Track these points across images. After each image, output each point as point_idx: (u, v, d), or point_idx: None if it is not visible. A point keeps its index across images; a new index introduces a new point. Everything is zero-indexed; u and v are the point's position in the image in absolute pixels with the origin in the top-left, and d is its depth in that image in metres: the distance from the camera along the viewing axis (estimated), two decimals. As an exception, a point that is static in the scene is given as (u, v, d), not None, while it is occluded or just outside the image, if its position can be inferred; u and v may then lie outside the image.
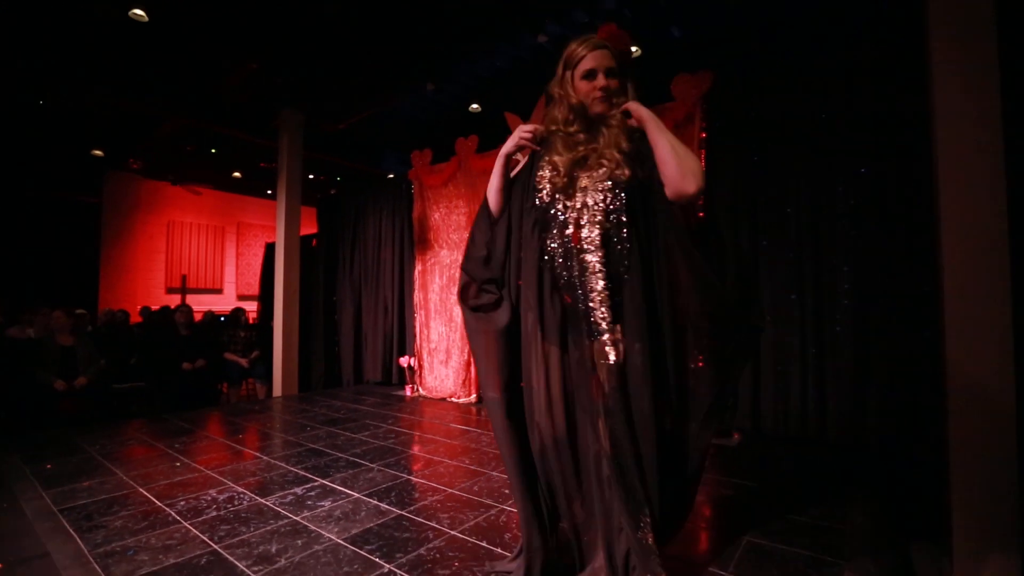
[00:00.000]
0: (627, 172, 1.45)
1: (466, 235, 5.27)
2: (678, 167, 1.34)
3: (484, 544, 2.00)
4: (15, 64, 4.55)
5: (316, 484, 2.68)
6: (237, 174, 8.63)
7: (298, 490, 2.59)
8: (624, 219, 1.45)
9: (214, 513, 2.30)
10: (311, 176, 8.06)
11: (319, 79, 5.00)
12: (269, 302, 6.33)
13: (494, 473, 2.87)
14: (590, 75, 1.49)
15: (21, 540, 2.04)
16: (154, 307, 7.91)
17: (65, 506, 2.38)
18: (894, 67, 3.08)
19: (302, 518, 2.24)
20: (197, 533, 2.10)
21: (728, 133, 3.76)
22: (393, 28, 4.09)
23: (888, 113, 3.11)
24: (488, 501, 2.45)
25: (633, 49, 1.47)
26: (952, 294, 1.73)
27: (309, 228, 6.83)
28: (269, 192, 9.49)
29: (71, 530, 2.13)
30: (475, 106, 5.26)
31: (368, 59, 4.55)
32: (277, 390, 5.62)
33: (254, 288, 9.16)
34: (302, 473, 2.85)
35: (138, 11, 3.80)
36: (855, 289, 3.26)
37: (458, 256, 5.11)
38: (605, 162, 1.47)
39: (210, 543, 2.01)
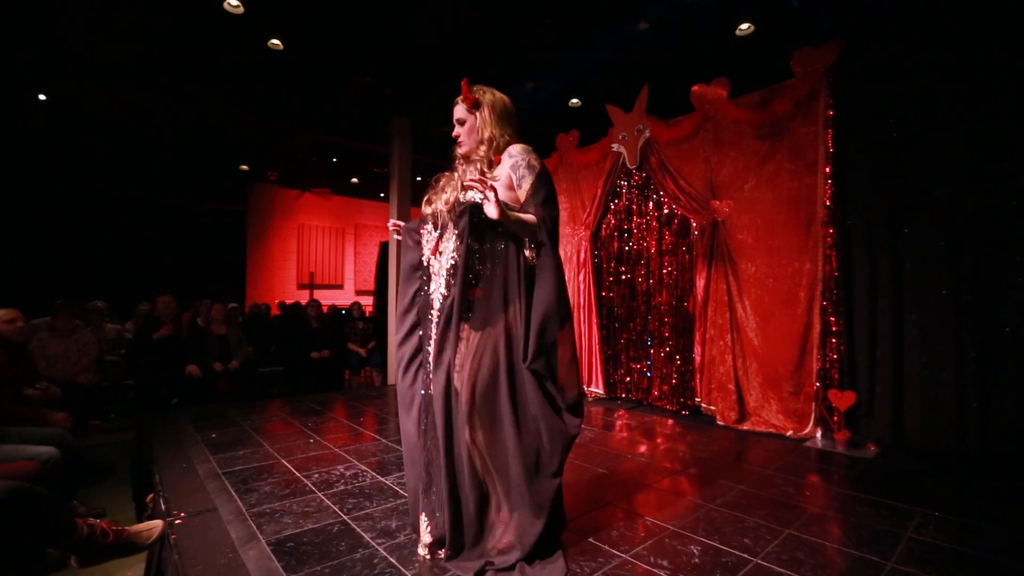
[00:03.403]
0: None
1: (567, 230, 5.27)
2: None
3: (591, 540, 2.01)
4: (177, 92, 5.40)
5: (428, 467, 2.86)
6: (355, 179, 9.43)
7: (412, 472, 2.79)
8: None
9: (342, 487, 2.56)
10: (419, 178, 8.57)
11: (424, 86, 5.30)
12: (383, 296, 6.85)
13: (600, 470, 2.86)
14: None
15: (196, 496, 2.44)
16: (288, 301, 8.95)
17: (227, 470, 2.80)
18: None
19: (417, 498, 2.41)
20: (329, 504, 2.35)
21: (860, 108, 3.36)
22: (491, 32, 4.21)
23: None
24: (608, 496, 2.46)
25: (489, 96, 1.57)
26: None
27: (417, 227, 7.26)
28: (382, 195, 10.25)
29: (232, 491, 2.49)
30: (575, 100, 5.21)
31: (468, 63, 4.73)
32: (391, 378, 6.07)
33: (370, 284, 9.98)
34: (415, 456, 3.05)
35: (275, 40, 4.31)
36: (1031, 282, 2.75)
37: (560, 251, 5.10)
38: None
39: (340, 514, 2.24)
